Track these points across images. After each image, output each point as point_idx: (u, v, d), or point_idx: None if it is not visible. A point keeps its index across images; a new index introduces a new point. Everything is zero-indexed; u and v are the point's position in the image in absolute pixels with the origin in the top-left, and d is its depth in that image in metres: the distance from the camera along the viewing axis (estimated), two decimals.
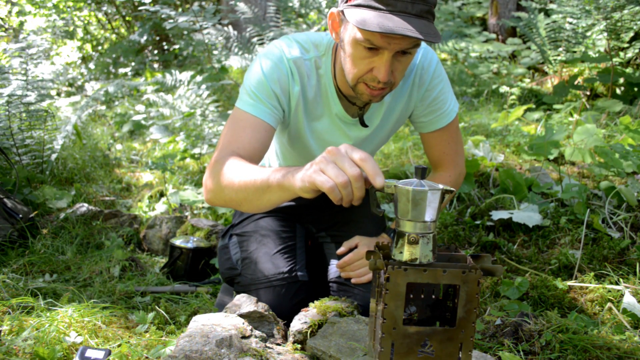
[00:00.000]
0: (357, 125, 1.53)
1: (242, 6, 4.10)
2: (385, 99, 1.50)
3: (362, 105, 1.48)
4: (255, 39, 4.39)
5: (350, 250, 1.62)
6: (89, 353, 1.25)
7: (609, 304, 1.68)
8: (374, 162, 0.98)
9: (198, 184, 3.26)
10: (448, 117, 1.56)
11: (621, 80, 4.05)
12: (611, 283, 1.77)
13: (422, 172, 1.02)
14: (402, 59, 1.27)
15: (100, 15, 9.58)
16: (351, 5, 1.21)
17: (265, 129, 1.39)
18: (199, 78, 4.21)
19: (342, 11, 1.25)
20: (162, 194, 3.18)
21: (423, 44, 1.47)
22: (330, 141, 1.54)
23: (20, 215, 2.31)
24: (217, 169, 1.28)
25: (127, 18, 9.24)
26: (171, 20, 4.23)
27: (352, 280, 1.56)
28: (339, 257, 1.64)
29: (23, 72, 2.99)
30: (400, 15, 1.16)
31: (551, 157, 2.66)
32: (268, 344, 1.28)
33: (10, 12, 9.34)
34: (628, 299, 1.63)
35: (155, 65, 8.08)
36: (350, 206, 1.79)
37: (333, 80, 1.45)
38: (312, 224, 1.83)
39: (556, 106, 3.99)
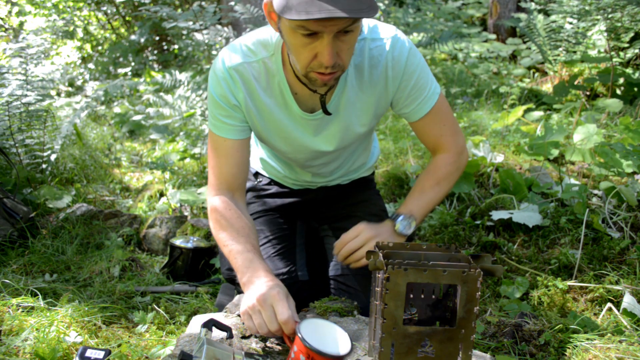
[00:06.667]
0: (321, 120, 1.48)
1: (241, 6, 4.10)
2: (349, 91, 1.44)
3: (323, 92, 1.40)
4: None
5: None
6: (89, 353, 1.25)
7: (609, 304, 1.68)
8: (292, 324, 1.13)
9: (198, 184, 3.26)
10: (431, 101, 1.48)
11: (621, 80, 4.05)
12: (611, 283, 1.77)
13: None
14: (346, 38, 1.19)
15: (100, 15, 9.58)
16: None
17: (236, 148, 1.46)
18: (198, 78, 4.21)
19: (272, 1, 1.16)
20: (162, 194, 3.18)
21: (392, 31, 1.42)
22: (296, 138, 1.50)
23: (20, 215, 2.31)
24: (210, 217, 1.48)
25: (127, 18, 9.24)
26: (171, 20, 4.23)
27: (351, 265, 1.46)
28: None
29: (23, 72, 2.99)
30: None
31: (551, 157, 2.66)
32: (268, 344, 1.28)
33: (10, 12, 9.34)
34: (628, 299, 1.63)
35: (155, 66, 8.08)
36: (353, 202, 1.79)
37: (287, 79, 1.40)
38: (314, 218, 1.82)
39: (556, 106, 3.99)
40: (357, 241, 1.44)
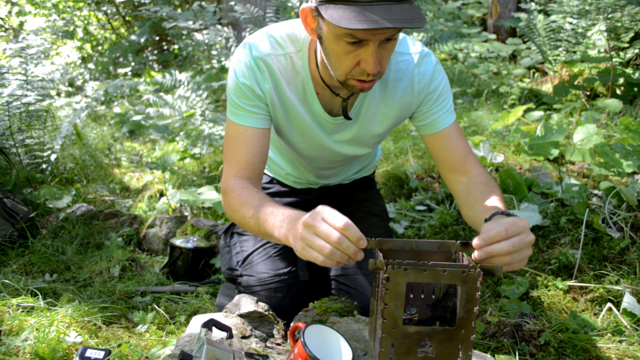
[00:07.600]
0: (339, 125, 1.48)
1: (241, 6, 4.10)
2: (370, 102, 1.45)
3: (345, 97, 1.41)
4: None
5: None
6: (89, 353, 1.25)
7: (608, 304, 1.68)
8: (353, 226, 1.01)
9: (198, 184, 3.26)
10: (453, 114, 1.50)
11: (621, 80, 4.05)
12: (611, 283, 1.77)
13: None
14: (387, 46, 1.21)
15: (100, 15, 9.58)
16: (325, 2, 1.13)
17: (257, 137, 1.41)
18: (198, 78, 4.21)
19: (317, 7, 1.17)
20: (162, 194, 3.18)
21: (419, 46, 1.44)
22: (314, 136, 1.50)
23: (20, 215, 2.31)
24: (227, 202, 1.38)
25: (127, 18, 9.25)
26: (171, 20, 4.23)
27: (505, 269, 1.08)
28: None
29: (23, 72, 2.99)
30: (379, 4, 1.09)
31: (551, 157, 2.65)
32: (268, 344, 1.28)
33: (10, 12, 9.35)
34: (628, 299, 1.63)
35: (155, 66, 8.08)
36: (354, 202, 1.79)
37: (311, 77, 1.40)
38: None
39: (556, 106, 3.99)
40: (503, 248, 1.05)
